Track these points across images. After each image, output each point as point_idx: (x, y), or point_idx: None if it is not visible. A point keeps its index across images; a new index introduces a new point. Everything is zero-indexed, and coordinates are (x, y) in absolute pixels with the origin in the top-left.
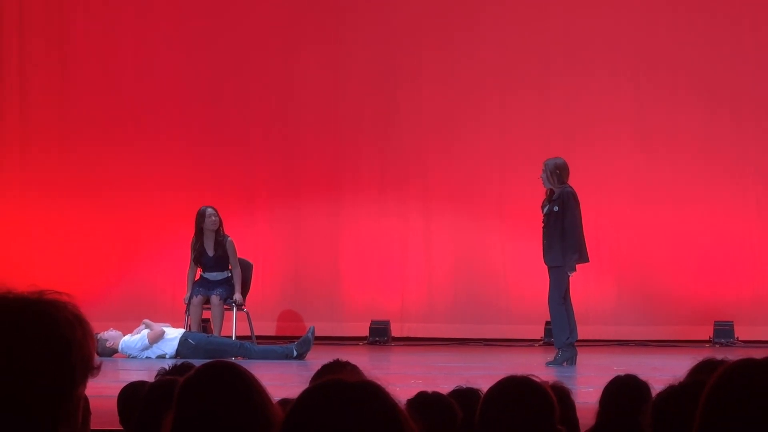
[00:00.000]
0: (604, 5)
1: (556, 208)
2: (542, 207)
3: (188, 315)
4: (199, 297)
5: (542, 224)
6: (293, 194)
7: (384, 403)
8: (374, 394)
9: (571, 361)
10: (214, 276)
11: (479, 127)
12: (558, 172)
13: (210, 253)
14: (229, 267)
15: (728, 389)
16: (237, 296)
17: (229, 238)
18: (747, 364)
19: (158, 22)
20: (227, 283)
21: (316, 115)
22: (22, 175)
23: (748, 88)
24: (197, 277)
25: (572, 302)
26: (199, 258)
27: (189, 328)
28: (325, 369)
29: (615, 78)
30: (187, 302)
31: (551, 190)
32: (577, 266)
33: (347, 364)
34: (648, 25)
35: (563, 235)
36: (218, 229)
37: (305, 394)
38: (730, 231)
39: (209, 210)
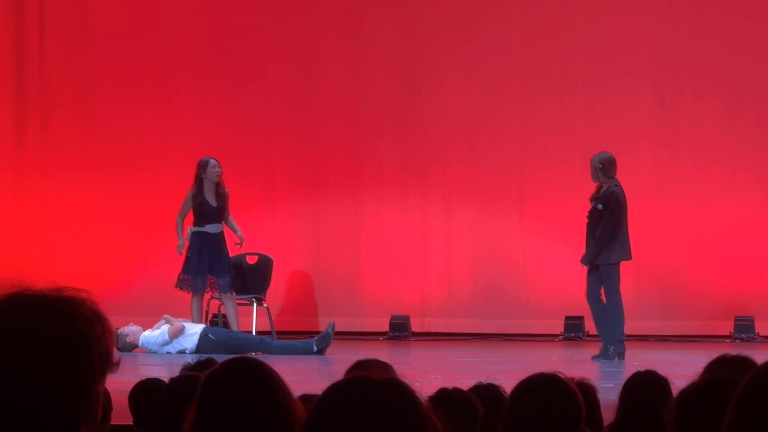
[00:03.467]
0: (626, 7)
1: (600, 206)
2: (591, 200)
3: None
4: (198, 295)
5: (587, 219)
6: (314, 188)
7: (408, 401)
8: (399, 392)
9: (622, 356)
10: (213, 228)
11: (501, 123)
12: (602, 167)
13: (213, 203)
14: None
15: (763, 387)
16: (240, 234)
17: (226, 190)
18: None
19: (178, 3)
20: (223, 242)
21: (338, 108)
22: (42, 157)
23: None
24: (189, 235)
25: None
26: (200, 209)
27: (208, 321)
28: (358, 366)
29: (637, 78)
30: (180, 252)
31: (600, 184)
32: (624, 262)
33: (379, 362)
34: (669, 25)
35: (602, 232)
36: (219, 180)
37: (330, 390)
38: (751, 226)
39: (212, 161)
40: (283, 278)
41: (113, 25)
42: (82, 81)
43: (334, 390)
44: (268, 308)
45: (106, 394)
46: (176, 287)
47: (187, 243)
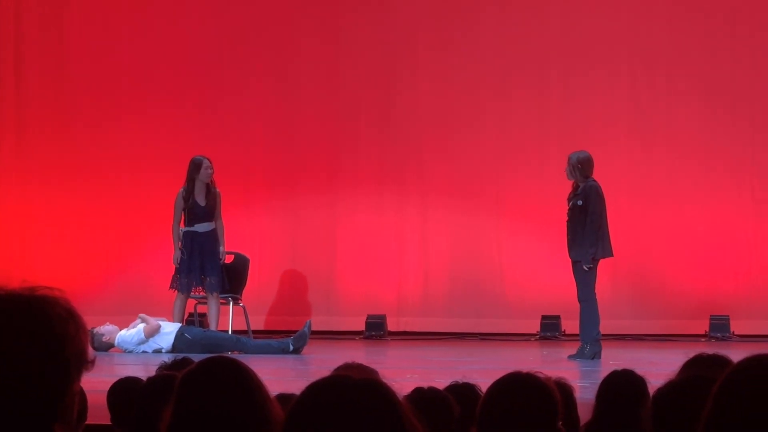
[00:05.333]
0: (601, 4)
1: (579, 202)
2: (568, 200)
3: (177, 282)
4: (183, 295)
5: (566, 218)
6: (291, 188)
7: (388, 401)
8: (378, 393)
9: (598, 355)
10: (203, 227)
11: (477, 122)
12: (580, 166)
13: (202, 203)
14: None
15: (740, 385)
16: (222, 249)
17: (218, 190)
18: (759, 360)
19: (157, 7)
20: (215, 241)
21: (315, 108)
22: (19, 163)
23: (744, 84)
24: (182, 232)
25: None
26: (190, 209)
27: (184, 319)
28: (343, 369)
29: (612, 75)
30: (177, 263)
31: (576, 183)
32: (601, 261)
33: (363, 366)
34: (645, 23)
35: (584, 229)
36: (211, 180)
37: (310, 389)
38: (726, 225)
39: (206, 161)
40: (259, 277)
41: (90, 33)
42: (59, 87)
43: (313, 389)
44: (244, 307)
45: (82, 393)
46: (170, 288)
47: (179, 244)
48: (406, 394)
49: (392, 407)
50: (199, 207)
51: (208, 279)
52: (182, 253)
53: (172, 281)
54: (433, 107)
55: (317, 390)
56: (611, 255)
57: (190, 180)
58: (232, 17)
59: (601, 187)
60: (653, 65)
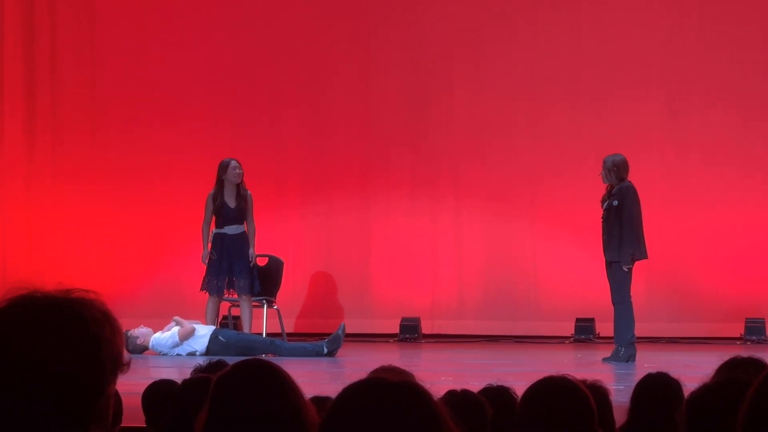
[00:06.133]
0: (635, 13)
1: (615, 203)
2: (602, 202)
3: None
4: (214, 298)
5: (602, 219)
6: (324, 192)
7: (424, 404)
8: (415, 395)
9: (633, 358)
10: (233, 230)
11: (511, 129)
12: (616, 169)
13: (231, 205)
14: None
15: None
16: (252, 251)
17: (249, 192)
18: None
19: (190, 16)
20: (244, 243)
21: (349, 111)
22: (54, 168)
23: None
24: (211, 232)
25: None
26: (219, 211)
27: (218, 323)
28: (377, 371)
29: (645, 83)
30: (205, 261)
31: (611, 185)
32: (636, 263)
33: (398, 369)
34: (678, 32)
35: (621, 229)
36: (241, 181)
37: (347, 391)
38: (761, 229)
39: (233, 162)
40: (293, 280)
41: (124, 39)
42: (93, 92)
43: (350, 391)
44: (278, 310)
45: (117, 396)
46: (201, 290)
47: (209, 246)
48: (439, 397)
49: (429, 410)
50: (228, 209)
51: (237, 281)
52: (212, 254)
53: (203, 283)
54: (467, 114)
55: (354, 392)
56: (646, 257)
57: (219, 181)
58: (265, 27)
59: (636, 189)
60: (686, 73)
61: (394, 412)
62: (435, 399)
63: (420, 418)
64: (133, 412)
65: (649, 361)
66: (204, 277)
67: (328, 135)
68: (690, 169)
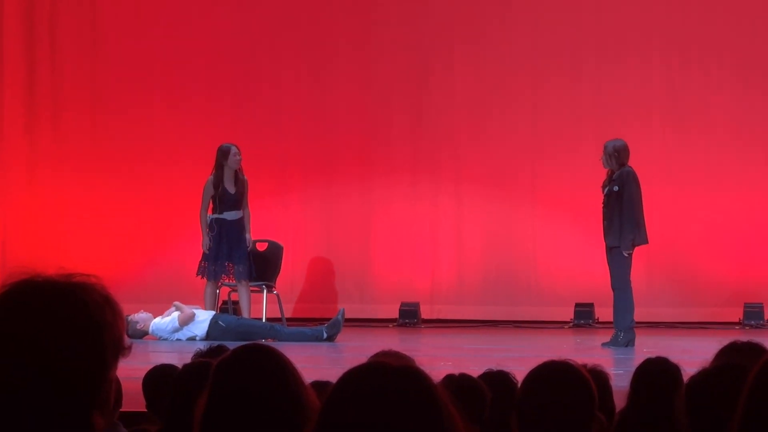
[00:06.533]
0: None
1: (616, 188)
2: (603, 187)
3: (205, 269)
4: (213, 283)
5: (602, 204)
6: (324, 176)
7: (426, 388)
8: (417, 379)
9: (632, 343)
10: (232, 215)
11: (511, 111)
12: (617, 154)
13: (231, 191)
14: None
15: None
16: (248, 236)
17: (246, 177)
18: None
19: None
20: (242, 229)
21: (349, 97)
22: (54, 150)
23: None
24: (210, 219)
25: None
26: (219, 196)
27: (218, 308)
28: (378, 356)
29: (646, 62)
30: (206, 249)
31: (611, 170)
32: (636, 248)
33: (400, 354)
34: (678, 9)
35: (621, 214)
36: (239, 167)
37: (348, 375)
38: (761, 213)
39: (234, 149)
40: (293, 265)
41: (124, 22)
42: (93, 77)
43: (351, 376)
44: (278, 295)
45: (117, 380)
46: (197, 275)
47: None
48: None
49: (431, 394)
50: (228, 194)
51: (235, 267)
52: (210, 240)
53: (199, 268)
54: (466, 96)
55: (355, 376)
56: (646, 242)
57: (219, 167)
58: (266, 8)
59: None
60: (687, 52)
61: (395, 397)
62: (437, 384)
63: (422, 403)
64: (133, 397)
65: (648, 346)
66: (200, 263)
67: (329, 119)
68: (690, 152)
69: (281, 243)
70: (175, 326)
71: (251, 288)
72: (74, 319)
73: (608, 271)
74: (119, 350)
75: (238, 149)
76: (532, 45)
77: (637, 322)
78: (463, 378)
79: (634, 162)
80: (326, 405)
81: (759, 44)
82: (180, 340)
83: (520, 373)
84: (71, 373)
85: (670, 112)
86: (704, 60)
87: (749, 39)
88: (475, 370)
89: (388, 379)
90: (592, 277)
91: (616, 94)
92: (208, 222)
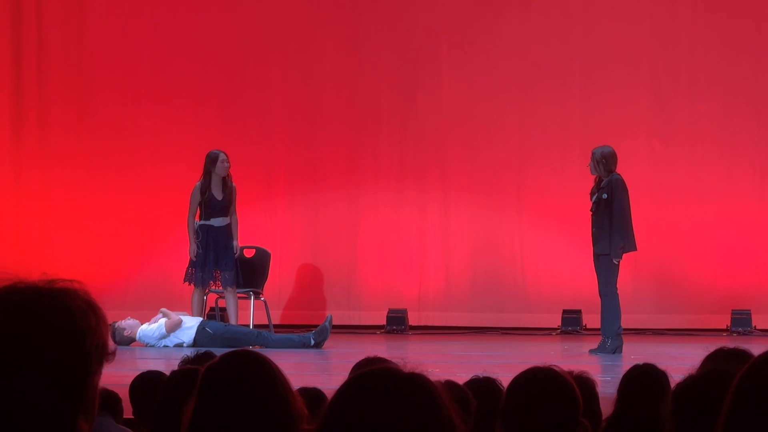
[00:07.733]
0: (624, 3)
1: (605, 196)
2: (591, 195)
3: (192, 275)
4: (200, 288)
5: (590, 212)
6: (312, 183)
7: (430, 394)
8: (420, 385)
9: (619, 349)
10: (219, 222)
11: (499, 119)
12: (604, 161)
13: (219, 197)
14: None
15: (760, 378)
16: (235, 243)
17: (234, 184)
18: None
19: (178, 1)
20: (229, 235)
21: (337, 103)
22: (40, 152)
23: (766, 81)
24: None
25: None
26: (206, 203)
27: (205, 313)
28: (367, 362)
29: (633, 73)
30: (193, 256)
31: (599, 177)
32: (624, 255)
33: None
34: (666, 20)
35: (611, 222)
36: (227, 174)
37: (353, 380)
38: (748, 220)
39: (222, 155)
40: (280, 272)
41: (111, 21)
42: (80, 77)
43: (356, 380)
44: (265, 302)
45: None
46: (184, 281)
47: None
48: None
49: (434, 400)
50: (215, 201)
51: (222, 273)
52: (197, 246)
53: (186, 275)
54: (455, 103)
55: (360, 381)
56: (635, 249)
57: (207, 174)
58: (254, 12)
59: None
60: (675, 63)
61: (399, 402)
62: (440, 390)
63: (425, 409)
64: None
65: (635, 353)
66: (187, 269)
67: (317, 126)
68: (677, 160)
69: (269, 250)
70: (162, 333)
71: (238, 295)
72: (57, 325)
73: (596, 278)
74: (103, 355)
75: (227, 156)
76: (520, 55)
77: (625, 329)
78: (448, 385)
79: (622, 171)
80: (330, 408)
81: (744, 57)
82: (167, 346)
83: (507, 380)
84: (54, 379)
85: (658, 123)
86: (691, 72)
87: (735, 52)
88: (462, 377)
89: (393, 384)
90: (579, 284)
91: (604, 104)
92: (195, 228)
